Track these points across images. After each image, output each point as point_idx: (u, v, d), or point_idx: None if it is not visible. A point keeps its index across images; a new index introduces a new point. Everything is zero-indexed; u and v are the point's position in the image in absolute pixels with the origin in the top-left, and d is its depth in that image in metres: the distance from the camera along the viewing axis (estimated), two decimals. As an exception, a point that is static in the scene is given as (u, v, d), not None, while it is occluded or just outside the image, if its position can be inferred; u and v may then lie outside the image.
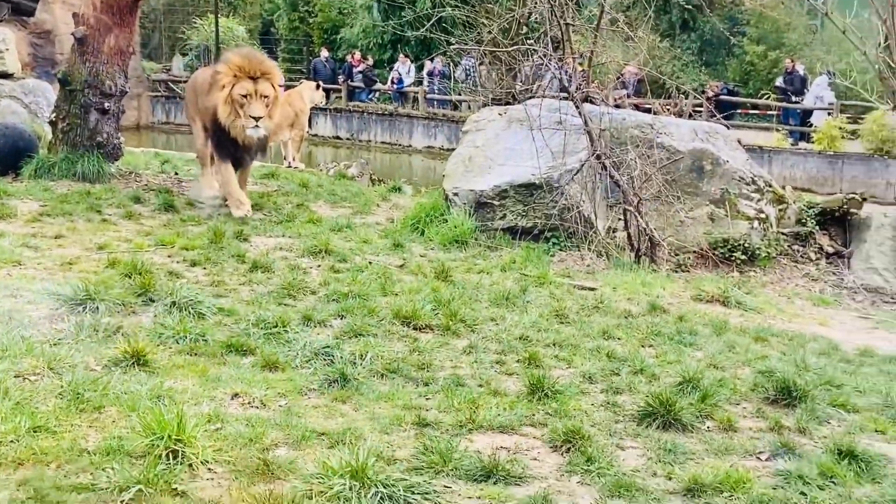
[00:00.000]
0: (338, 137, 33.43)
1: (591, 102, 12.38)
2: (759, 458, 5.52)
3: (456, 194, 11.63)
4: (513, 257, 10.25)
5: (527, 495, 4.72)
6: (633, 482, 4.96)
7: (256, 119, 10.64)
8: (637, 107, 18.31)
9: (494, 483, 4.85)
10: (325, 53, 35.92)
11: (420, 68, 33.41)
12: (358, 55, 35.20)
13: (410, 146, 32.55)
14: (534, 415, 5.82)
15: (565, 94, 12.07)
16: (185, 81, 35.86)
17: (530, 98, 13.24)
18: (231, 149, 11.11)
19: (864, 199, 13.16)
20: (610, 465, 5.16)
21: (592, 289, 9.28)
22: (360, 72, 34.18)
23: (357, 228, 11.23)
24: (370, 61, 34.93)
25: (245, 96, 10.59)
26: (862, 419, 6.26)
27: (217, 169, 11.56)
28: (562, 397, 6.11)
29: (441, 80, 32.49)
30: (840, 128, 24.44)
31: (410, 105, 33.23)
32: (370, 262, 9.56)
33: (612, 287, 9.43)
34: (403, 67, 33.43)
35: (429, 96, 32.49)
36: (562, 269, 10.27)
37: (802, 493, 4.99)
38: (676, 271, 10.79)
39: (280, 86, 11.40)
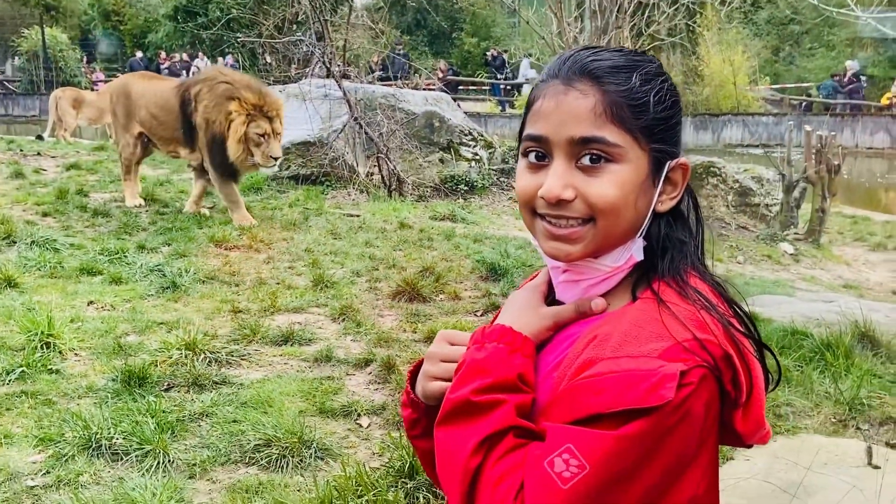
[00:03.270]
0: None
1: (349, 79, 12.65)
2: (475, 314, 6.12)
3: (250, 153, 11.66)
4: (297, 197, 10.47)
5: (316, 350, 5.12)
6: (391, 336, 5.44)
7: (276, 159, 8.72)
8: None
9: (291, 345, 5.22)
10: (139, 54, 34.40)
11: (215, 62, 32.58)
12: (164, 54, 33.92)
13: (211, 124, 31.75)
14: (318, 299, 6.20)
15: (329, 74, 12.29)
16: (17, 81, 33.67)
17: (302, 78, 13.37)
18: (231, 175, 8.93)
19: (549, 142, 14.07)
20: (373, 327, 5.63)
21: (357, 215, 9.65)
22: (166, 68, 32.94)
23: (175, 183, 11.14)
24: (175, 58, 33.71)
25: (262, 135, 8.49)
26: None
27: (219, 187, 9.00)
28: (338, 286, 6.51)
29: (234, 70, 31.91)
30: (535, 96, 25.65)
31: (210, 92, 32.39)
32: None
33: (372, 213, 9.82)
34: (202, 62, 32.51)
35: (224, 84, 31.78)
36: (334, 203, 10.58)
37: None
38: (418, 201, 11.26)
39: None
